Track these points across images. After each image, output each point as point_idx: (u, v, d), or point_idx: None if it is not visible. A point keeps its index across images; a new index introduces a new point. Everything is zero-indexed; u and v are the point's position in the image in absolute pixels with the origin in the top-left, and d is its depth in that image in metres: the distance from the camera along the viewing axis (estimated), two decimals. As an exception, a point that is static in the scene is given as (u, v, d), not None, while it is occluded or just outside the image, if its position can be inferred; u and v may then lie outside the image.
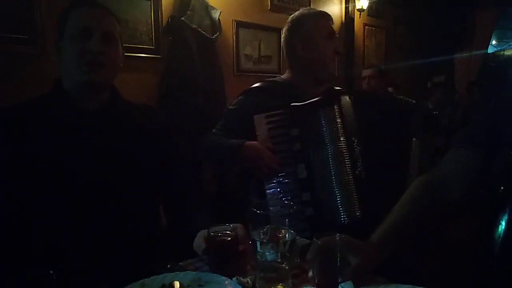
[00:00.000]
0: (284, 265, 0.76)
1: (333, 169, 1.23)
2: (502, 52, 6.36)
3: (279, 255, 0.75)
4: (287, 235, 0.76)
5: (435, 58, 5.44)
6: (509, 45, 6.23)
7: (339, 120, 1.24)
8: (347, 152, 1.22)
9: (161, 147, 1.24)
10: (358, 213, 1.19)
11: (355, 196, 1.20)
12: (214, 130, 1.53)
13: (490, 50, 5.99)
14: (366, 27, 4.69)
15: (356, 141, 1.22)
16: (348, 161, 1.22)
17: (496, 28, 5.60)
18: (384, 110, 1.32)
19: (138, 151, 1.16)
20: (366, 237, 0.89)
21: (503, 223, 0.81)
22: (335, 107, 1.25)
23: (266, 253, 0.75)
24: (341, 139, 1.23)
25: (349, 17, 4.32)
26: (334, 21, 1.54)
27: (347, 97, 1.29)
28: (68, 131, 1.08)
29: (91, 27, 1.08)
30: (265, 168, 1.29)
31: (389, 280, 0.80)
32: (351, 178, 1.21)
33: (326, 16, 1.52)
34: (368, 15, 4.64)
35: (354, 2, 4.26)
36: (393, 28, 5.08)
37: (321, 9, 1.60)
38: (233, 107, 1.54)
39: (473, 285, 0.94)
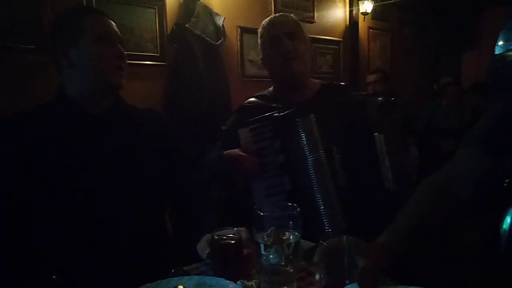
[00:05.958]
0: (288, 268, 0.75)
1: (314, 180, 1.20)
2: (510, 53, 6.28)
3: (283, 258, 0.74)
4: (291, 237, 0.75)
5: (441, 60, 5.41)
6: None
7: (316, 129, 1.21)
8: (327, 161, 1.19)
9: (166, 151, 1.24)
10: (343, 224, 1.16)
11: (338, 206, 1.17)
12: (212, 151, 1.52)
13: (498, 51, 5.92)
14: (371, 30, 4.66)
15: (335, 149, 1.19)
16: (329, 171, 1.19)
17: (504, 28, 5.54)
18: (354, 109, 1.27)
19: (143, 154, 1.17)
20: (373, 239, 0.87)
21: (508, 218, 0.79)
22: (312, 116, 1.22)
23: (270, 256, 0.75)
24: (320, 148, 1.20)
25: (353, 20, 4.30)
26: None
27: (327, 105, 1.26)
28: (74, 135, 1.09)
29: (111, 32, 1.12)
30: (245, 170, 1.29)
31: (396, 283, 0.79)
32: (332, 188, 1.18)
33: (271, 22, 1.47)
34: (372, 19, 4.61)
35: (358, 6, 4.24)
36: (398, 31, 5.04)
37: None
38: (225, 128, 1.53)
39: (481, 284, 0.92)
